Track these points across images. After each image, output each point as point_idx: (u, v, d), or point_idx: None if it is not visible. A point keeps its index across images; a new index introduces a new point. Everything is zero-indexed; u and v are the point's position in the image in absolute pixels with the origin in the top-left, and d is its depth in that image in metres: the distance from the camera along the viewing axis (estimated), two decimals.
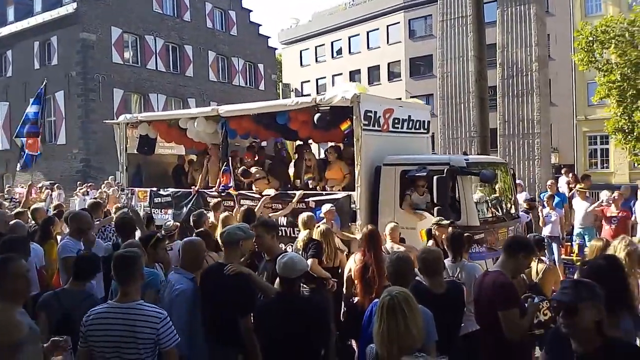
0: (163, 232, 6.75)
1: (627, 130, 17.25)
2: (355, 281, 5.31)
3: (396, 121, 8.41)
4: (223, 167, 9.32)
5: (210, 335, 4.16)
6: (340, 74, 42.79)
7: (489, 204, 7.98)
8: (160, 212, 10.04)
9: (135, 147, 10.97)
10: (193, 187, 9.76)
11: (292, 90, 44.56)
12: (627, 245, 4.28)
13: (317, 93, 42.54)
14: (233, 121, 9.17)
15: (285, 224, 8.14)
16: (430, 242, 6.14)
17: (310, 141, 10.04)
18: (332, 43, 44.18)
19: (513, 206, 8.48)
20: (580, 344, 2.58)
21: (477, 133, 11.07)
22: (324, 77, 44.14)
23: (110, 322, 3.20)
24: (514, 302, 3.67)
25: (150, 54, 28.06)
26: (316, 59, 45.54)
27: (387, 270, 3.92)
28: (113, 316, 3.21)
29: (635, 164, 21.43)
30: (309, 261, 5.89)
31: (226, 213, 7.48)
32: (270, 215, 7.87)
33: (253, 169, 9.14)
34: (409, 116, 8.73)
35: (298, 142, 10.46)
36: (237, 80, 33.06)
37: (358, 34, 42.03)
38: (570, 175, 13.65)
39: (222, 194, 9.07)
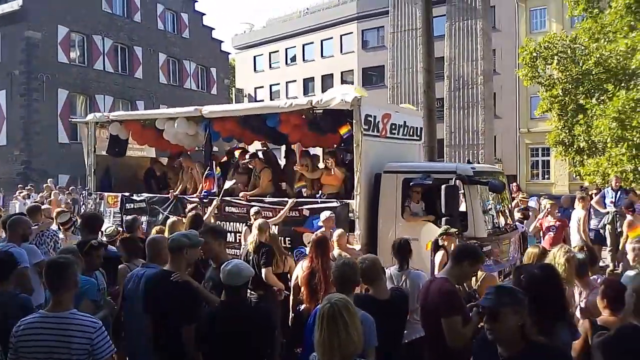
0: (104, 238, 6.54)
1: (567, 143, 17.96)
2: (302, 288, 5.31)
3: (393, 127, 8.06)
4: (206, 172, 8.81)
5: (154, 343, 4.06)
6: (294, 81, 42.87)
7: (490, 214, 7.60)
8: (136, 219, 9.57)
9: (105, 148, 10.34)
10: (171, 192, 9.25)
11: (246, 96, 44.29)
12: (566, 252, 4.39)
13: (271, 99, 42.50)
14: (217, 123, 8.72)
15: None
16: (440, 254, 5.85)
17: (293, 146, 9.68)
18: (286, 50, 44.17)
19: (510, 216, 8.29)
20: (505, 348, 2.66)
21: (425, 143, 11.33)
22: (278, 84, 44.14)
23: (42, 332, 3.06)
24: (458, 309, 3.70)
25: (97, 54, 27.29)
26: (270, 65, 45.40)
27: (333, 276, 3.90)
28: (45, 326, 3.07)
29: (575, 176, 22.39)
30: (263, 270, 5.84)
31: (174, 218, 7.30)
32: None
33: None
34: (405, 122, 8.44)
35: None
36: (189, 83, 32.59)
37: (312, 42, 42.21)
38: (514, 185, 14.14)
39: (204, 200, 8.61)
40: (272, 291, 5.94)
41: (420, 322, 4.24)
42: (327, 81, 41.05)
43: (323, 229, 6.77)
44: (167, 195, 9.23)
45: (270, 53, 45.02)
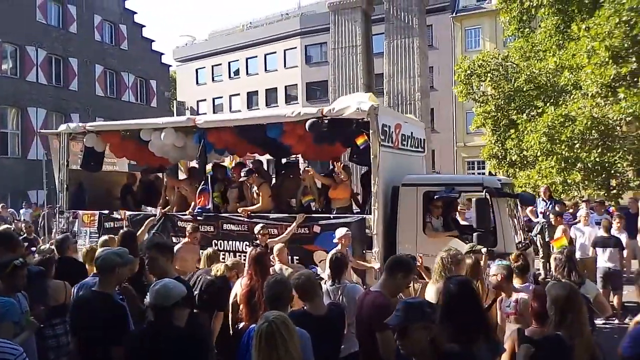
0: (37, 255, 6.23)
1: (500, 157, 18.66)
2: (241, 306, 5.22)
3: (403, 138, 7.74)
4: (200, 187, 8.20)
5: None
6: (238, 94, 42.70)
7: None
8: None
9: (79, 162, 9.52)
10: (160, 209, 8.64)
11: (187, 109, 43.63)
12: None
13: (214, 112, 42.06)
14: (212, 133, 8.15)
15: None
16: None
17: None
18: (229, 63, 43.97)
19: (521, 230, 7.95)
20: None
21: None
22: (221, 97, 43.83)
23: None
24: None
25: (30, 65, 26.14)
26: (213, 78, 45.06)
27: (265, 294, 3.84)
28: None
29: None
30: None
31: (105, 237, 6.97)
32: (268, 242, 6.93)
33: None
34: (412, 133, 8.18)
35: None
36: (127, 96, 31.70)
37: (256, 56, 42.23)
38: None
39: (199, 218, 7.97)
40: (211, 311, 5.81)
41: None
42: (271, 95, 41.17)
43: (339, 246, 6.34)
44: (153, 213, 8.61)
45: (212, 66, 44.70)
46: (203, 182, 8.22)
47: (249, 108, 39.52)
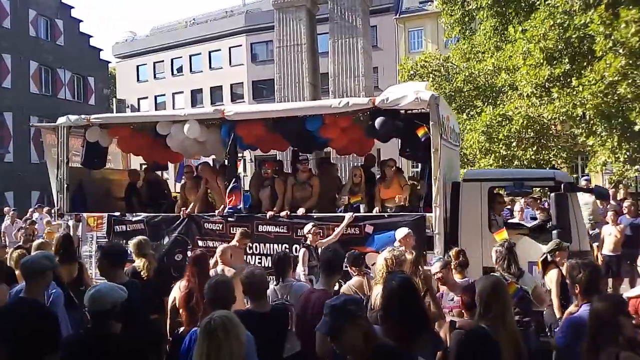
0: None
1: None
2: (181, 310, 5.09)
3: (450, 130, 7.34)
4: (231, 185, 7.53)
5: None
6: (182, 92, 41.79)
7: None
8: (125, 244, 7.50)
9: (80, 159, 8.68)
10: (183, 210, 7.88)
11: (128, 107, 42.33)
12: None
13: (156, 110, 40.98)
14: (242, 126, 7.44)
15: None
16: (554, 273, 5.20)
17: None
18: (172, 60, 42.96)
19: None
20: (354, 358, 2.71)
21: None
22: (164, 95, 42.76)
23: None
24: None
25: None
26: (155, 75, 43.87)
27: (206, 296, 3.78)
28: None
29: None
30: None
31: (40, 240, 6.62)
32: (317, 243, 6.48)
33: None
34: (454, 125, 7.77)
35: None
36: (63, 93, 30.44)
37: (200, 53, 41.46)
38: None
39: (230, 219, 7.31)
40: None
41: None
42: (216, 93, 40.57)
43: (402, 248, 5.84)
44: (175, 214, 7.95)
45: (154, 63, 43.55)
46: (234, 180, 7.57)
47: (193, 106, 38.69)
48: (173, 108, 40.02)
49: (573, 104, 12.33)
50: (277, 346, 4.06)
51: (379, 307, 3.48)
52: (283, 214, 7.18)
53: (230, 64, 40.26)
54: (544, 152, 14.78)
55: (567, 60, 12.78)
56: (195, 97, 41.26)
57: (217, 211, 7.59)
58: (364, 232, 6.70)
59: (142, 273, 5.44)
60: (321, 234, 6.61)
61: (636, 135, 12.06)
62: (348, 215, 6.78)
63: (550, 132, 15.20)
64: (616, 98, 11.73)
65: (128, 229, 7.94)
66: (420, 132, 6.42)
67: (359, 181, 7.49)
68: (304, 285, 5.02)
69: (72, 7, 31.72)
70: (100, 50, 34.33)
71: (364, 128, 7.29)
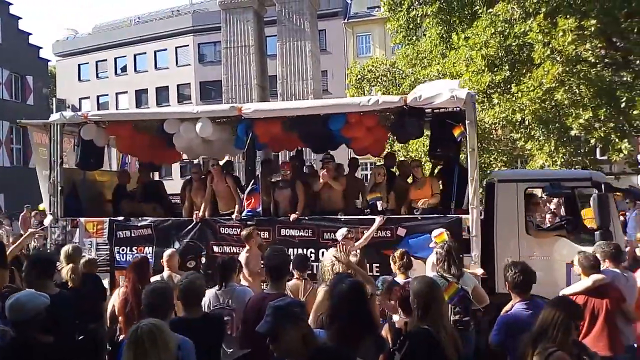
0: None
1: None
2: (119, 317, 4.94)
3: None
4: (250, 187, 7.25)
5: None
6: (125, 92, 40.72)
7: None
8: (130, 250, 7.42)
9: (75, 159, 8.13)
10: (196, 213, 7.48)
11: (68, 107, 40.79)
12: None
13: (98, 110, 39.67)
14: (259, 124, 7.13)
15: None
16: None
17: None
18: (115, 59, 41.81)
19: None
20: None
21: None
22: (106, 95, 41.58)
23: None
24: None
25: None
26: (97, 74, 42.57)
27: (142, 303, 3.69)
28: None
29: None
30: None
31: None
32: (350, 247, 6.11)
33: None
34: None
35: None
36: (0, 92, 29.01)
37: (145, 52, 40.49)
38: None
39: (249, 223, 6.89)
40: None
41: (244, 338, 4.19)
42: (162, 94, 39.74)
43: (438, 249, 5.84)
44: (187, 218, 7.58)
45: (97, 62, 42.29)
46: (252, 181, 7.28)
47: (138, 107, 37.73)
48: (116, 108, 38.88)
49: (512, 110, 12.72)
50: (213, 353, 4.00)
51: (325, 310, 3.47)
52: (294, 216, 6.96)
53: (176, 64, 39.58)
54: (485, 155, 15.23)
55: (507, 67, 13.17)
56: (140, 97, 40.29)
57: (234, 214, 7.23)
58: (396, 235, 6.51)
59: (68, 283, 5.20)
60: (353, 238, 6.31)
61: (572, 140, 12.60)
62: (378, 218, 6.53)
63: (491, 136, 15.68)
64: (553, 104, 12.20)
65: (133, 235, 7.54)
66: (457, 132, 6.28)
67: (382, 181, 7.30)
68: (247, 290, 4.94)
69: (11, 4, 30.38)
70: (40, 48, 32.95)
71: (386, 127, 7.18)
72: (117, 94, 41.18)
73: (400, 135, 7.48)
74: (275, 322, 2.66)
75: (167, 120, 7.52)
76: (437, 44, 17.26)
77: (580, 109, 11.88)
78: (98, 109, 40.12)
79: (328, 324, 3.12)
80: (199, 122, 7.20)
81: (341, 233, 6.20)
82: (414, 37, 19.42)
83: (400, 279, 5.34)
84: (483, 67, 13.16)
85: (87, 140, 7.85)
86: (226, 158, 8.92)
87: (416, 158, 7.74)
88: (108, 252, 7.54)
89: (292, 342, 2.64)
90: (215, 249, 7.16)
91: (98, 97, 42.05)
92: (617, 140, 12.18)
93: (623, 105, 11.36)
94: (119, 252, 7.45)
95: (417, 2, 16.66)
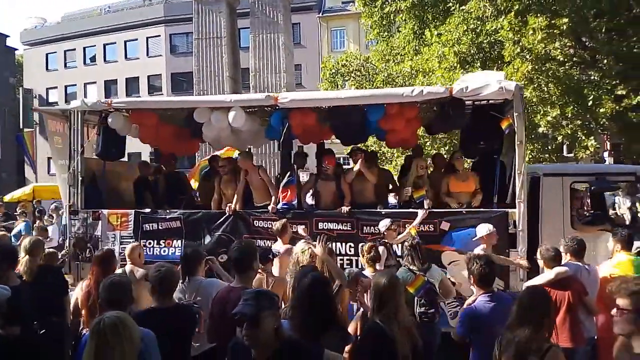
0: None
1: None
2: (83, 310, 4.84)
3: None
4: (286, 178, 7.02)
5: None
6: (94, 82, 39.90)
7: None
8: (157, 244, 7.15)
9: (96, 148, 7.72)
10: (229, 206, 7.12)
11: (36, 97, 39.78)
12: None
13: (66, 101, 38.78)
14: (295, 115, 6.87)
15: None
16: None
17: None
18: (84, 49, 40.87)
19: None
20: (259, 352, 2.70)
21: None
22: (74, 85, 40.66)
23: None
24: None
25: None
26: (65, 64, 41.56)
27: (100, 296, 3.65)
28: None
29: None
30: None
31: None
32: (391, 241, 6.09)
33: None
34: None
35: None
36: None
37: (115, 42, 39.71)
38: None
39: (286, 216, 6.60)
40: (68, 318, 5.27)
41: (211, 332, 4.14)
42: (132, 84, 39.11)
43: (483, 246, 5.70)
44: (219, 211, 7.26)
45: (65, 51, 41.29)
46: (289, 173, 7.02)
47: (107, 98, 36.92)
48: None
49: None
50: (184, 343, 3.94)
51: (288, 303, 3.47)
52: (346, 209, 6.72)
53: (147, 54, 38.91)
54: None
55: (479, 64, 13.35)
56: (109, 88, 39.54)
57: (270, 207, 6.95)
58: (439, 230, 6.33)
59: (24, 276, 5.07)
60: (396, 230, 6.16)
61: (540, 136, 12.85)
62: (422, 212, 6.34)
63: None
64: None
65: (161, 227, 7.21)
66: (505, 124, 6.19)
67: (423, 174, 7.11)
68: (214, 282, 4.85)
69: None
70: (7, 36, 32.08)
71: (422, 119, 7.06)
72: (85, 84, 40.29)
73: (442, 126, 7.37)
74: (257, 305, 2.65)
75: (198, 109, 7.19)
76: (410, 40, 17.37)
77: (549, 107, 12.13)
78: (66, 100, 39.29)
79: (291, 316, 3.11)
80: (232, 111, 6.94)
81: (384, 224, 6.09)
82: (388, 33, 19.53)
83: (368, 272, 5.36)
84: (455, 64, 13.31)
85: (109, 129, 7.50)
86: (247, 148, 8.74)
87: (456, 150, 7.57)
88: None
89: (268, 330, 2.64)
90: None
91: (66, 87, 41.08)
92: (583, 137, 12.48)
93: (590, 103, 11.64)
94: (145, 246, 7.02)
95: None
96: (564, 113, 11.75)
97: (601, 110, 11.77)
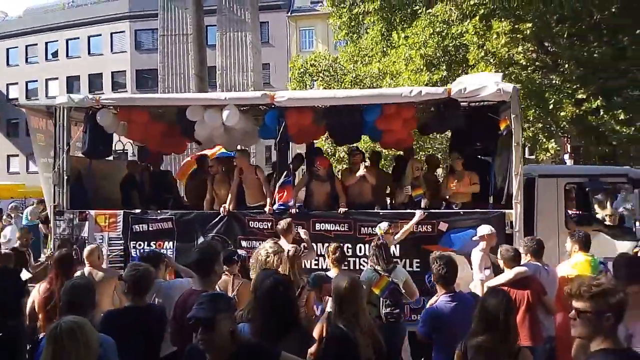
0: None
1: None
2: (40, 314, 4.70)
3: None
4: (282, 179, 6.87)
5: None
6: (56, 78, 38.96)
7: None
8: (147, 246, 6.87)
9: (83, 146, 7.42)
10: (223, 206, 6.96)
11: None
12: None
13: (27, 97, 37.67)
14: (292, 114, 6.78)
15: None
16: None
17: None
18: (46, 44, 39.92)
19: None
20: (215, 356, 2.66)
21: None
22: (36, 81, 39.75)
23: None
24: None
25: None
26: (26, 59, 40.46)
27: (61, 299, 3.58)
28: None
29: None
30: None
31: None
32: (390, 241, 6.01)
33: None
34: None
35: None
36: None
37: (78, 37, 38.81)
38: None
39: (282, 217, 6.46)
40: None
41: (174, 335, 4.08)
42: (95, 81, 38.36)
43: (483, 244, 5.75)
44: (212, 211, 7.11)
45: (27, 46, 40.25)
46: (285, 173, 6.89)
47: (69, 93, 36.13)
48: (46, 95, 37.14)
49: None
50: (156, 342, 3.93)
51: (248, 305, 3.43)
52: (342, 210, 6.72)
53: (111, 50, 38.16)
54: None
55: (444, 67, 13.53)
56: (72, 84, 38.70)
57: (267, 207, 6.87)
58: (437, 230, 6.39)
59: None
60: (393, 232, 6.17)
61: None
62: (419, 212, 6.39)
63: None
64: None
65: (151, 229, 7.00)
66: (503, 125, 6.28)
67: (419, 175, 7.19)
68: (175, 284, 4.77)
69: None
70: None
71: (418, 119, 7.13)
72: (47, 80, 39.33)
73: (437, 127, 7.44)
74: (213, 308, 2.61)
75: (191, 107, 7.04)
76: (378, 42, 17.49)
77: None
78: (27, 96, 38.32)
79: (251, 319, 3.08)
80: (226, 110, 6.83)
81: (383, 227, 6.08)
82: (356, 34, 19.63)
83: (333, 272, 5.37)
84: (422, 67, 13.45)
85: (97, 126, 7.25)
86: (238, 147, 8.55)
87: (453, 151, 7.65)
88: (122, 247, 7.00)
89: (224, 334, 2.60)
90: (244, 243, 6.78)
91: (27, 82, 40.12)
92: (544, 140, 12.78)
93: (551, 107, 11.92)
94: (135, 248, 6.91)
95: (359, 0, 16.80)
96: (526, 116, 12.00)
97: (562, 113, 12.07)
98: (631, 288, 3.39)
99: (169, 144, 8.47)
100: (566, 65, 12.80)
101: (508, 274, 5.05)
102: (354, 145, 8.26)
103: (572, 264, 5.34)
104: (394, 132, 7.21)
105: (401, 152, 8.97)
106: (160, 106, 7.68)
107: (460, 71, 13.28)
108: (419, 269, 6.15)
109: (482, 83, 6.39)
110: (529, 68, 12.90)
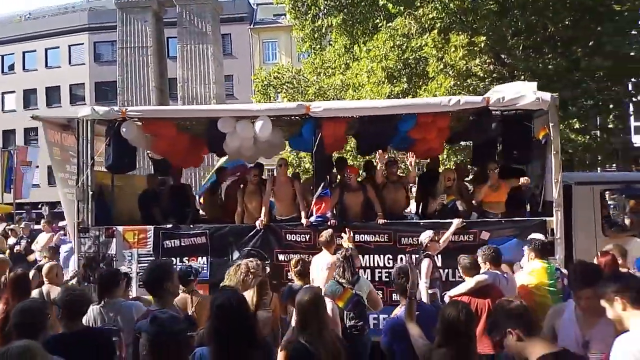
0: None
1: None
2: None
3: None
4: (319, 191, 6.67)
5: None
6: (13, 91, 37.88)
7: None
8: (180, 262, 6.52)
9: (107, 160, 7.07)
10: (260, 219, 6.74)
11: None
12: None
13: None
14: (327, 125, 6.66)
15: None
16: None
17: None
18: (2, 57, 38.87)
19: None
20: None
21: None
22: None
23: None
24: None
25: None
26: None
27: (12, 321, 3.43)
28: None
29: None
30: None
31: None
32: (434, 253, 5.85)
33: None
34: None
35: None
36: None
37: (35, 50, 37.84)
38: None
39: (320, 228, 6.33)
40: None
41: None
42: (53, 94, 37.50)
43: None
44: (248, 224, 6.91)
45: None
46: (322, 185, 6.71)
47: (26, 108, 35.24)
48: (2, 109, 36.01)
49: None
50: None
51: (205, 325, 3.36)
52: (381, 221, 6.62)
53: (69, 63, 37.37)
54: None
55: (405, 79, 13.75)
56: (29, 97, 37.71)
57: (303, 220, 6.69)
58: (479, 239, 6.28)
59: None
60: (437, 242, 6.01)
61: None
62: (456, 221, 6.29)
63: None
64: None
65: (183, 244, 6.77)
66: (541, 134, 6.31)
67: (451, 185, 7.12)
68: (136, 304, 4.61)
69: None
70: None
71: (451, 129, 7.15)
72: (3, 93, 38.29)
73: (472, 136, 7.54)
74: (154, 333, 2.63)
75: (223, 118, 6.84)
76: (341, 54, 17.65)
77: None
78: None
79: (208, 340, 3.01)
80: (259, 121, 6.68)
81: (427, 235, 5.89)
82: (319, 47, 19.79)
83: (297, 285, 5.34)
84: (383, 79, 13.62)
85: (121, 139, 6.93)
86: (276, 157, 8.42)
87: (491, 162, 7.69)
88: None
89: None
90: (281, 257, 6.63)
91: None
92: None
93: None
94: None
95: (321, 13, 16.93)
96: None
97: None
98: (583, 293, 3.52)
99: (189, 157, 8.37)
100: (522, 77, 13.16)
101: (469, 283, 5.11)
102: (391, 156, 8.15)
103: (529, 271, 5.45)
104: (427, 141, 7.23)
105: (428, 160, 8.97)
106: (189, 118, 7.46)
107: (420, 83, 13.52)
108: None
109: (520, 92, 6.43)
110: (487, 80, 13.21)
